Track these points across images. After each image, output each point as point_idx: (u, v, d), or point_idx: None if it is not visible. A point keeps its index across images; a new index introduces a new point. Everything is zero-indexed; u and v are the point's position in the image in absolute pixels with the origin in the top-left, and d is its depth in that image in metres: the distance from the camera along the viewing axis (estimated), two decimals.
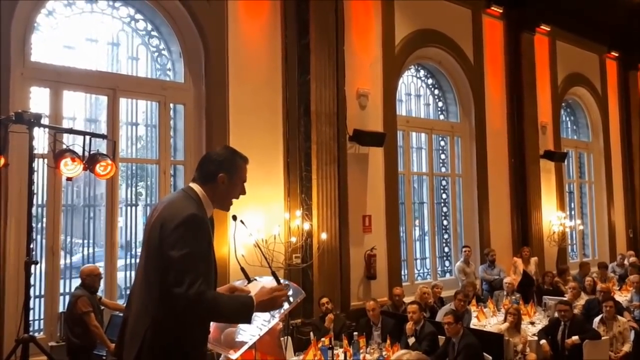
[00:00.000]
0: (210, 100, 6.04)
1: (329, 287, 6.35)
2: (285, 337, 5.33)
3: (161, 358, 2.01)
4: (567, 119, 11.75)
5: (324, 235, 6.32)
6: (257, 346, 2.37)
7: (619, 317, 5.96)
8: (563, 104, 11.05)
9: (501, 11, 9.48)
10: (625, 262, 10.20)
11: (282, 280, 2.38)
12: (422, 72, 9.01)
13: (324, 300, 5.89)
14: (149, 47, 6.18)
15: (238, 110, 6.17)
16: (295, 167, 6.53)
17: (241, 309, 2.05)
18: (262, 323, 2.24)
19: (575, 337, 5.46)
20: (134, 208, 6.06)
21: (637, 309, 7.10)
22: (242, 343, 2.22)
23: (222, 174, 2.21)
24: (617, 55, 12.02)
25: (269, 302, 2.10)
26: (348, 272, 6.86)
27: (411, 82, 8.85)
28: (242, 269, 2.52)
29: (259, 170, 6.16)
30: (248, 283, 2.42)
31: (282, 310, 2.27)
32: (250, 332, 2.24)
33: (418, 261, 8.66)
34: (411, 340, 5.18)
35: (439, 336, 5.28)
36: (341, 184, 6.80)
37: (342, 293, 6.63)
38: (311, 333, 5.35)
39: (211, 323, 2.20)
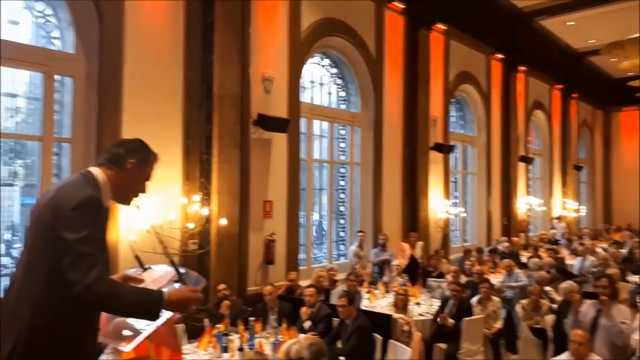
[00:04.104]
0: (103, 74, 5.63)
1: (227, 273, 6.30)
2: (179, 325, 5.21)
3: (42, 347, 1.88)
4: (456, 114, 12.62)
5: (223, 221, 6.23)
6: (151, 337, 2.28)
7: (493, 297, 6.59)
8: (452, 100, 11.83)
9: (402, 7, 9.87)
10: (499, 247, 11.28)
11: (181, 269, 2.31)
12: (326, 61, 9.14)
13: (221, 286, 5.82)
14: (33, 12, 5.59)
15: (134, 87, 5.82)
16: (195, 150, 6.33)
17: (147, 303, 1.91)
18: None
19: (451, 321, 5.92)
20: (10, 188, 5.50)
21: (508, 290, 7.92)
22: (135, 334, 2.12)
23: (133, 161, 2.10)
24: (501, 57, 13.10)
25: (182, 303, 1.97)
26: (247, 257, 6.84)
27: (315, 69, 8.95)
28: (137, 257, 2.41)
29: (155, 151, 5.89)
30: (143, 272, 2.31)
31: None
32: (144, 322, 2.15)
33: (315, 246, 8.88)
34: (307, 324, 5.32)
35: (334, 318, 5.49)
36: (243, 168, 6.73)
37: (239, 279, 6.60)
38: (206, 320, 5.28)
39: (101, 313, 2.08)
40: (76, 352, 1.98)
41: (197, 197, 6.18)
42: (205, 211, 6.16)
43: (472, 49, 12.12)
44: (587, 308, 4.73)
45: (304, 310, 5.33)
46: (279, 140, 7.40)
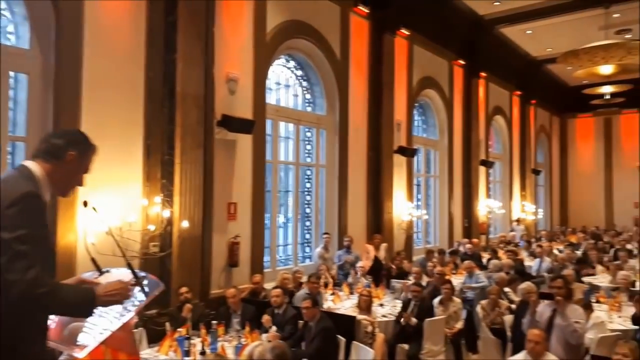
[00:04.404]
0: (61, 71, 5.43)
1: (189, 276, 6.18)
2: (138, 330, 5.09)
3: None
4: (419, 118, 12.82)
5: (185, 223, 6.11)
6: (107, 342, 2.21)
7: (455, 298, 6.72)
8: (416, 104, 12.02)
9: (367, 11, 9.97)
10: (461, 248, 11.52)
11: (138, 272, 2.24)
12: (292, 63, 9.13)
13: (183, 289, 5.72)
14: None
15: (93, 85, 5.65)
16: (156, 151, 6.20)
17: (80, 302, 1.88)
18: (114, 317, 2.09)
19: (414, 320, 6.00)
20: None
21: (469, 290, 8.09)
22: (91, 340, 2.05)
23: (73, 153, 2.02)
24: (463, 63, 13.40)
25: (112, 297, 1.95)
26: (210, 260, 6.74)
27: (281, 71, 8.93)
28: (93, 260, 2.33)
29: (114, 152, 5.75)
30: (99, 275, 2.24)
31: (138, 304, 2.14)
32: (100, 327, 2.08)
33: (280, 248, 8.84)
34: (272, 330, 5.25)
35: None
36: (206, 170, 6.63)
37: (202, 282, 6.50)
38: (167, 323, 5.17)
39: (52, 317, 2.00)
40: (27, 357, 1.90)
41: (158, 199, 6.05)
42: (166, 213, 6.03)
43: (435, 54, 12.35)
44: (543, 308, 4.88)
45: (266, 318, 5.26)
46: (244, 141, 7.33)
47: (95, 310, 1.94)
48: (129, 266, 2.17)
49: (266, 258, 7.99)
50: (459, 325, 6.36)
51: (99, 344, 2.06)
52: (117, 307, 2.05)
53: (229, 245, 7.03)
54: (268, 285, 6.80)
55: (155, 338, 5.10)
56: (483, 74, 14.13)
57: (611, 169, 19.67)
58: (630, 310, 6.04)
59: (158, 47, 6.28)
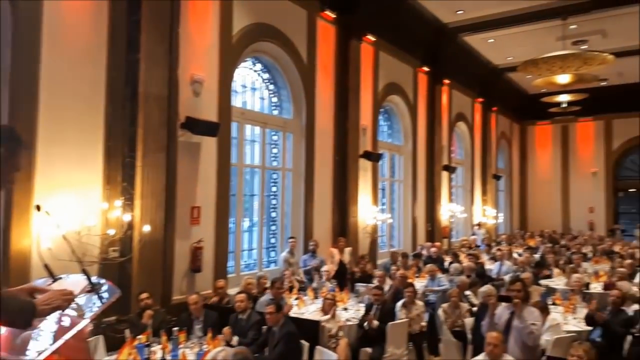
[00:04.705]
0: (17, 69, 5.23)
1: (150, 281, 6.05)
2: (95, 337, 4.94)
3: None
4: (384, 123, 12.98)
5: (146, 227, 5.98)
6: (60, 351, 2.13)
7: (417, 301, 6.81)
8: (381, 110, 12.16)
9: (334, 16, 10.04)
10: (424, 252, 11.70)
11: (94, 278, 2.18)
12: (258, 66, 9.09)
13: (143, 295, 5.59)
14: None
15: (51, 84, 5.46)
16: (117, 153, 6.04)
17: (18, 313, 1.83)
18: (67, 324, 2.02)
19: (375, 322, 6.05)
20: None
21: (431, 293, 8.21)
22: (41, 349, 1.97)
23: (3, 150, 1.96)
24: (427, 70, 13.65)
25: (50, 306, 1.90)
26: (172, 265, 6.62)
27: (247, 74, 8.87)
28: (45, 266, 2.25)
29: (73, 154, 5.59)
30: (52, 282, 2.17)
31: (94, 311, 2.08)
32: (50, 336, 2.00)
33: (245, 252, 8.77)
34: (234, 341, 5.18)
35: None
36: (169, 173, 6.51)
37: (163, 287, 6.37)
38: (127, 330, 5.04)
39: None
40: None
41: (118, 202, 5.90)
42: (127, 217, 5.88)
43: (400, 61, 12.53)
44: (502, 310, 5.01)
45: (226, 331, 5.18)
46: (209, 144, 7.24)
47: (35, 321, 1.87)
48: (84, 272, 2.11)
49: (230, 263, 7.89)
50: (422, 328, 6.45)
51: (52, 352, 1.99)
52: (70, 312, 1.98)
53: (191, 250, 6.92)
54: (233, 291, 6.72)
55: (114, 345, 4.96)
56: (446, 81, 14.43)
57: (568, 175, 20.42)
58: (585, 311, 6.26)
59: (120, 47, 6.14)
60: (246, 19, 7.99)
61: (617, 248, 13.20)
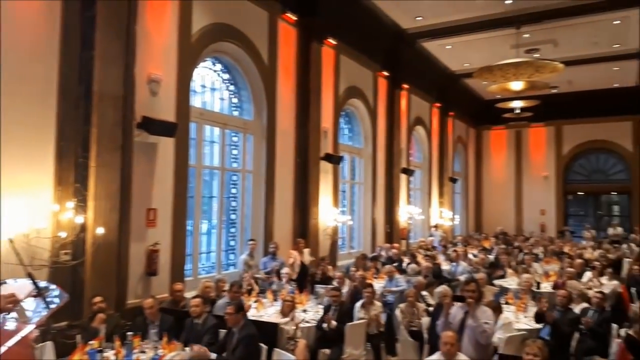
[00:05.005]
0: None
1: (104, 285, 5.87)
2: (44, 344, 4.76)
3: None
4: (345, 126, 13.09)
5: (100, 230, 5.80)
6: (4, 358, 2.05)
7: (376, 302, 6.89)
8: (342, 113, 12.26)
9: (296, 19, 10.05)
10: (383, 253, 11.86)
11: (42, 283, 2.11)
12: (218, 66, 8.99)
13: (96, 299, 5.43)
14: None
15: None
16: (69, 153, 5.84)
17: None
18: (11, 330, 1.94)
19: (334, 322, 6.10)
20: None
21: (389, 294, 8.33)
22: None
23: None
24: (387, 74, 13.86)
25: None
26: (126, 268, 6.44)
27: (207, 74, 8.76)
28: None
29: (23, 153, 5.37)
30: None
31: (41, 316, 2.01)
32: None
33: (203, 255, 8.64)
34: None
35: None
36: (125, 174, 6.34)
37: (118, 291, 6.19)
38: (78, 336, 4.87)
39: None
40: None
41: (70, 204, 5.70)
42: (80, 219, 5.69)
43: (361, 65, 12.67)
44: (456, 310, 5.14)
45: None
46: (166, 144, 7.11)
47: None
48: (30, 276, 2.04)
49: (188, 266, 7.76)
50: (379, 328, 6.53)
51: None
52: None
53: (147, 253, 6.76)
54: (191, 294, 6.61)
55: (65, 352, 4.79)
56: (405, 86, 14.69)
57: (521, 178, 21.17)
58: (535, 310, 6.50)
59: (74, 44, 5.94)
60: (206, 19, 7.89)
61: (566, 249, 13.77)
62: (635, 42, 13.55)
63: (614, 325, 6.20)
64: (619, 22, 12.39)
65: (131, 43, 6.47)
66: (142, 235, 6.74)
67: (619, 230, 17.59)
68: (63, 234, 5.56)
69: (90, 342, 4.70)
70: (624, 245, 15.01)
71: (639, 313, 6.48)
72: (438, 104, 17.57)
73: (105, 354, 4.47)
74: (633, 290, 8.54)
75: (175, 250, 7.23)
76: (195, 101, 8.25)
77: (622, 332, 5.87)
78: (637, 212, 18.83)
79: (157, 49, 7.02)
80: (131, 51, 6.47)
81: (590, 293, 7.08)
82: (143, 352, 4.68)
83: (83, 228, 5.75)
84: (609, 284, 8.70)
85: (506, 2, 11.41)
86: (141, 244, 6.71)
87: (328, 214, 10.91)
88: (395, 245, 12.71)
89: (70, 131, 5.85)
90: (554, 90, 17.28)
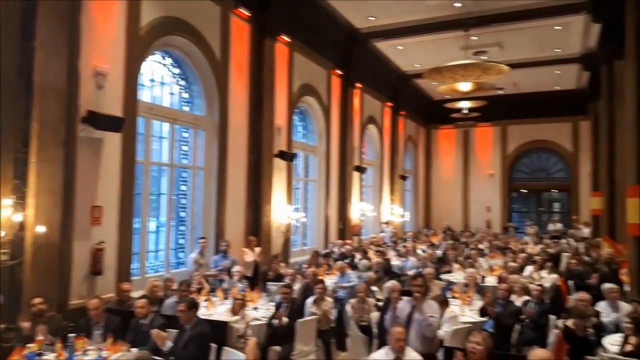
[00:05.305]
0: None
1: (45, 286, 5.64)
2: None
3: None
4: (299, 123, 13.10)
5: (40, 228, 5.56)
6: None
7: (327, 297, 6.96)
8: (296, 110, 12.26)
9: (249, 15, 9.95)
10: (335, 249, 11.96)
11: None
12: (168, 60, 8.78)
13: (36, 300, 5.20)
14: None
15: None
16: (8, 148, 5.55)
17: None
18: None
19: (285, 319, 6.12)
20: None
21: (340, 290, 8.42)
22: None
23: None
24: (340, 73, 13.97)
25: None
26: (69, 268, 6.22)
27: (157, 68, 8.54)
28: None
29: None
30: None
31: None
32: None
33: (152, 254, 8.44)
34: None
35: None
36: (68, 170, 6.11)
37: (60, 292, 5.97)
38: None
39: None
40: None
41: (9, 201, 5.43)
42: (18, 217, 5.43)
43: (315, 63, 12.71)
44: (404, 305, 5.27)
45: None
46: (112, 140, 6.89)
47: None
48: None
49: (135, 265, 7.56)
50: (330, 324, 6.60)
51: None
52: None
53: (92, 252, 6.54)
54: (138, 294, 6.44)
55: (2, 355, 4.57)
56: (358, 85, 14.85)
57: (468, 176, 21.88)
58: (480, 303, 6.75)
59: (12, 33, 5.65)
60: (156, 11, 7.69)
61: (511, 244, 14.34)
62: (576, 47, 14.29)
63: (552, 317, 6.52)
64: (560, 27, 13.00)
65: (75, 34, 6.24)
66: (87, 233, 6.52)
67: (559, 226, 18.48)
68: (1, 233, 5.29)
69: (28, 345, 4.50)
70: (563, 241, 15.80)
71: (575, 305, 6.85)
72: (390, 104, 17.87)
73: (45, 357, 4.30)
74: (571, 283, 9.00)
75: (121, 249, 7.03)
76: (144, 96, 8.03)
77: (560, 323, 6.17)
78: (575, 209, 19.88)
79: (103, 40, 6.79)
80: (75, 43, 6.25)
81: (531, 286, 7.41)
82: (86, 354, 4.53)
83: (22, 226, 5.50)
84: (548, 278, 9.13)
85: (455, 4, 11.74)
86: (85, 243, 6.48)
87: (281, 212, 10.89)
88: (348, 241, 12.86)
89: (9, 125, 5.57)
90: (500, 92, 17.95)
